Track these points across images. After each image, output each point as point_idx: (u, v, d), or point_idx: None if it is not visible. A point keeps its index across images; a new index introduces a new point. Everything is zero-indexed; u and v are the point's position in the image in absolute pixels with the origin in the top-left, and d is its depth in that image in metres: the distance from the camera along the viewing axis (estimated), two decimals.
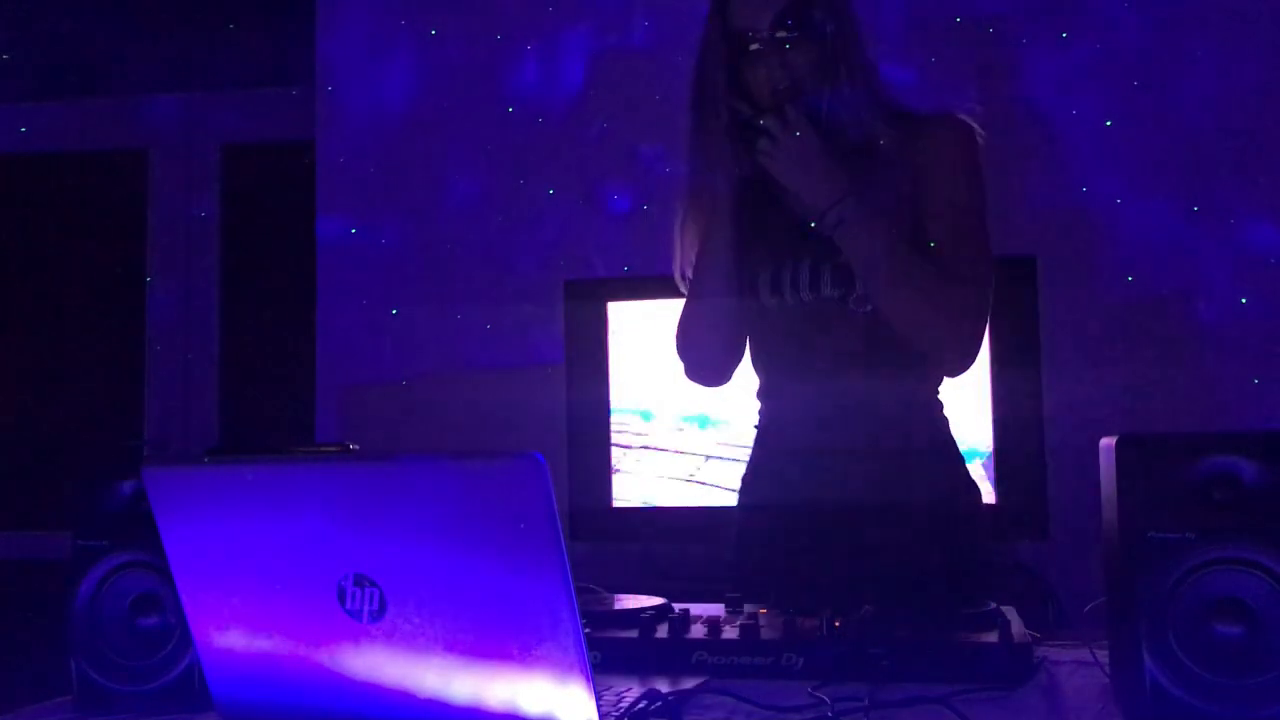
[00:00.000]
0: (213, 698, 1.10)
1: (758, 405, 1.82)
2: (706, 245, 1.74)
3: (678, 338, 1.81)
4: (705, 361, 1.81)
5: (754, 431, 1.83)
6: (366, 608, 0.99)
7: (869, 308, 1.65)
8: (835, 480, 1.68)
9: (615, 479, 2.65)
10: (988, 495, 2.41)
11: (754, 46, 1.64)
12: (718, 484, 2.59)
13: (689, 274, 1.79)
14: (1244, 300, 2.62)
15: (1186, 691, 1.05)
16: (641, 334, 2.64)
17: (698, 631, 1.30)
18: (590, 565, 1.82)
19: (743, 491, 1.84)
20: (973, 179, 1.68)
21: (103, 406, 3.62)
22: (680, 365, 1.83)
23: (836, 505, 1.68)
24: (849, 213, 1.61)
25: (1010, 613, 1.35)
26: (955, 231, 1.65)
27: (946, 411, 1.76)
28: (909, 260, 1.62)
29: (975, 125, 1.69)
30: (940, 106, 1.73)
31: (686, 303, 1.79)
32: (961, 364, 1.69)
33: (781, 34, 1.63)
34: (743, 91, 1.68)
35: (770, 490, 1.78)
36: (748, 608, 1.42)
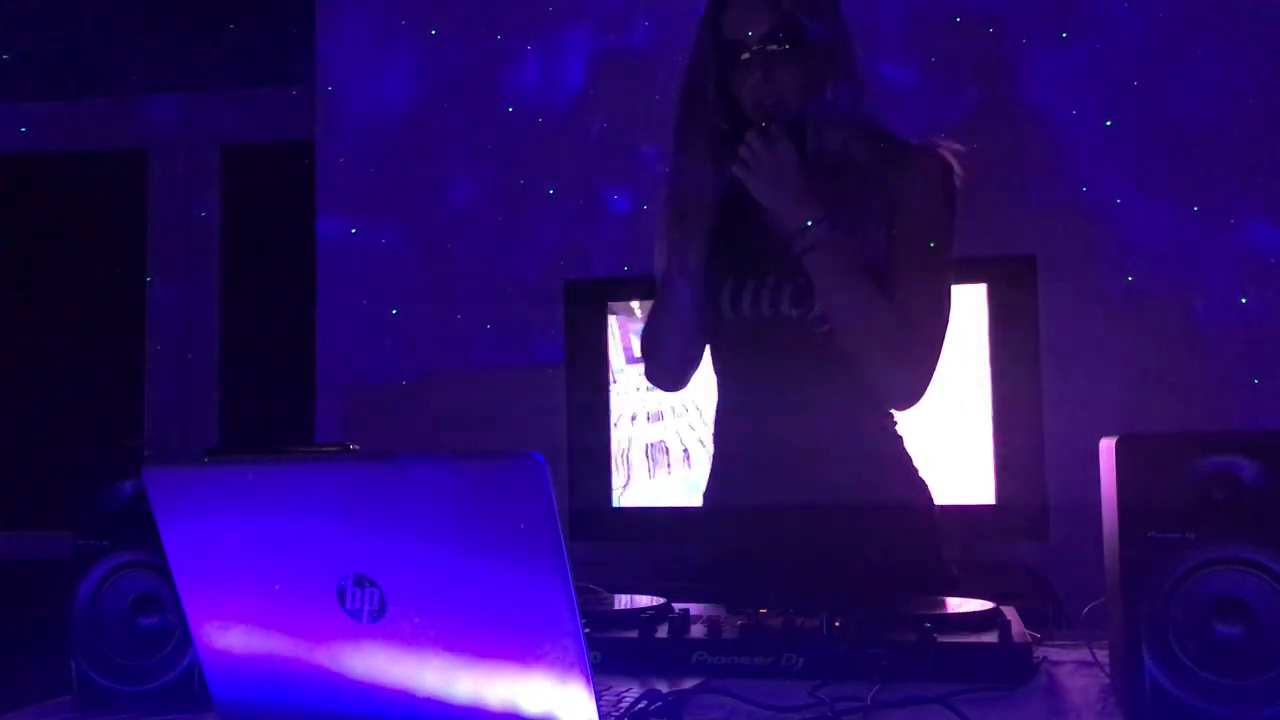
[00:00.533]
0: (213, 698, 1.10)
1: (714, 414, 1.82)
2: (677, 252, 1.72)
3: (643, 339, 1.82)
4: (664, 364, 1.81)
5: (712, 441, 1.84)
6: (366, 608, 0.99)
7: (826, 328, 1.65)
8: (785, 489, 1.69)
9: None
10: (988, 495, 2.41)
11: (744, 57, 1.64)
12: None
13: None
14: (1244, 300, 2.62)
15: (1186, 691, 1.05)
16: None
17: (698, 631, 1.30)
18: (590, 565, 1.83)
19: (704, 498, 1.85)
20: (942, 220, 1.67)
21: (103, 406, 3.61)
22: (644, 366, 1.84)
23: (787, 513, 1.68)
24: (819, 238, 1.61)
25: (1010, 613, 1.35)
26: (916, 277, 1.64)
27: (899, 429, 1.75)
28: (870, 299, 1.61)
29: (955, 163, 1.67)
30: (925, 137, 1.70)
31: (653, 306, 1.80)
32: (903, 404, 1.69)
33: (773, 47, 1.63)
34: (731, 102, 1.68)
35: (727, 498, 1.79)
36: (748, 608, 1.42)
